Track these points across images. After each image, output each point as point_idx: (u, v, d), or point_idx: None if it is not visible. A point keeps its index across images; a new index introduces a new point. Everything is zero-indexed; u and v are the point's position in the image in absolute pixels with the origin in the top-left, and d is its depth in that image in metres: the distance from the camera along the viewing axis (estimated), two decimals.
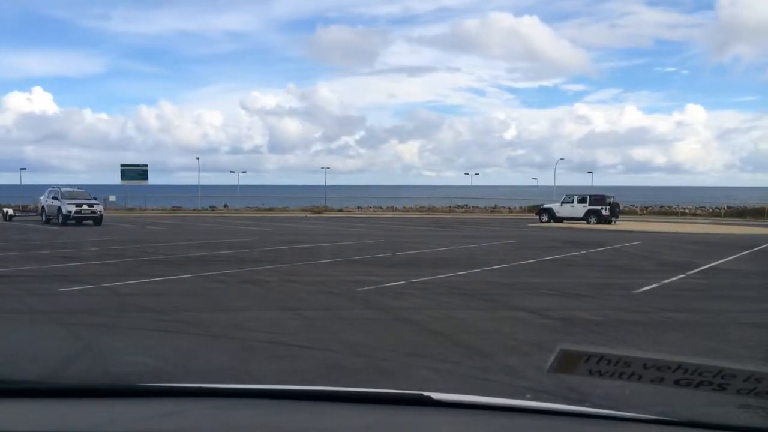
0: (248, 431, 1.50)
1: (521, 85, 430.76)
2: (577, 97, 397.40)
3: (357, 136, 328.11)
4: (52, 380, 4.83)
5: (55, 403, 1.61)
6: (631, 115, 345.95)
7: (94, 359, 6.65)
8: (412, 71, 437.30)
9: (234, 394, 1.69)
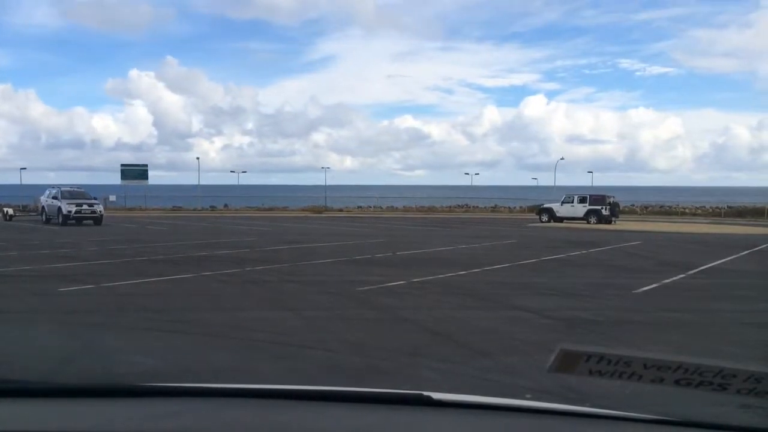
0: (248, 431, 1.50)
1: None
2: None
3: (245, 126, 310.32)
4: (52, 380, 4.83)
5: (55, 403, 1.61)
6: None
7: (94, 359, 6.64)
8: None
9: (234, 394, 1.68)
